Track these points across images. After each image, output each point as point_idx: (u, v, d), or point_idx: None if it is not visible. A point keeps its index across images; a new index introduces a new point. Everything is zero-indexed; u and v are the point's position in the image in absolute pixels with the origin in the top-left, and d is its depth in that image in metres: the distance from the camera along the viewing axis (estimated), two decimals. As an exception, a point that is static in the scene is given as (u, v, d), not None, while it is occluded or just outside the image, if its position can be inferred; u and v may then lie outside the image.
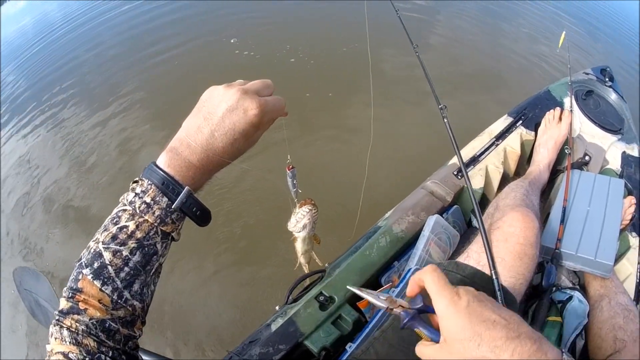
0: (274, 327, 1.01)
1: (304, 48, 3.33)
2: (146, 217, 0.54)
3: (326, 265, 1.18)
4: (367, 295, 0.62)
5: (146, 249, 0.54)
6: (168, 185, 0.54)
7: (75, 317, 0.49)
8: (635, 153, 1.53)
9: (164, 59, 3.54)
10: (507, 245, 0.91)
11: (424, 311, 0.58)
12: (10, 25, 5.42)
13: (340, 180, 2.23)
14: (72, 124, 2.99)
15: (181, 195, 0.54)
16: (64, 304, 0.51)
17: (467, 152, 1.52)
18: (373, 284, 1.18)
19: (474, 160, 1.50)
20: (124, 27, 4.35)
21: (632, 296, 1.16)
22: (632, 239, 1.29)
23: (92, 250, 0.52)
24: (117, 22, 4.51)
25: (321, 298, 1.09)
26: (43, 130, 3.01)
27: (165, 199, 0.54)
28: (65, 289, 0.52)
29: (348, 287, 0.70)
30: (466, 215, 1.40)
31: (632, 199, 1.33)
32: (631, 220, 1.30)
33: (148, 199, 0.54)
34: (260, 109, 0.55)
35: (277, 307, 1.09)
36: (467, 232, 1.37)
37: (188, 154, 0.55)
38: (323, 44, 3.49)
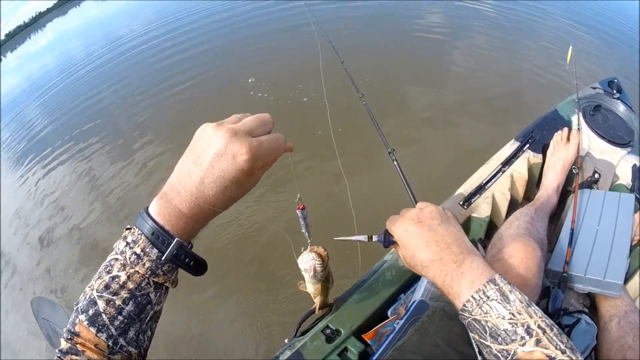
0: (282, 359, 1.11)
1: (316, 86, 3.47)
2: (137, 269, 0.53)
3: (334, 299, 1.26)
4: (350, 237, 0.85)
5: (139, 299, 0.54)
6: (158, 236, 0.53)
7: (75, 357, 0.51)
8: None
9: (185, 97, 3.86)
10: (508, 276, 0.93)
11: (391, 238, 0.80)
12: (33, 63, 5.96)
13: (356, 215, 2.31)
14: (97, 162, 3.27)
15: (171, 247, 0.53)
16: (63, 344, 0.52)
17: (474, 181, 1.57)
18: (380, 316, 1.24)
19: (481, 188, 1.54)
20: (147, 64, 4.76)
21: (645, 314, 1.12)
22: None
23: (87, 297, 0.53)
24: (139, 59, 4.92)
25: (327, 331, 1.16)
26: (68, 167, 3.30)
27: (155, 251, 0.53)
28: (65, 329, 0.53)
29: (335, 238, 0.87)
30: (473, 244, 1.43)
31: (644, 214, 1.30)
32: None
33: (138, 250, 0.53)
34: (251, 153, 0.51)
35: (286, 340, 1.19)
36: (473, 261, 1.40)
37: (178, 202, 0.53)
38: (334, 81, 3.68)
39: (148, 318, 0.56)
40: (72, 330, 0.52)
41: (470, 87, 3.48)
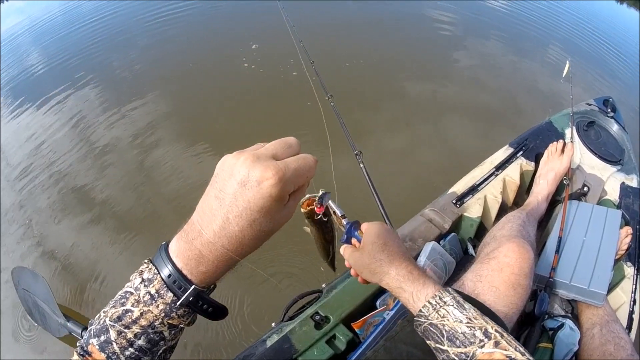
0: (269, 343, 1.11)
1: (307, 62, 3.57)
2: (150, 309, 0.51)
3: (323, 285, 1.28)
4: (334, 206, 0.82)
5: (151, 335, 0.52)
6: (174, 280, 0.50)
7: None
8: (634, 184, 1.62)
9: (185, 58, 3.90)
10: (502, 275, 0.98)
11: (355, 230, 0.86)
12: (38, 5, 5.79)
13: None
14: (92, 112, 3.25)
15: (186, 294, 0.50)
16: (75, 357, 0.51)
17: (467, 181, 1.64)
18: (368, 306, 1.28)
19: (474, 189, 1.61)
20: (155, 22, 4.71)
21: (625, 324, 1.23)
22: (627, 269, 1.37)
23: (100, 322, 0.52)
24: (148, 16, 4.88)
25: (317, 317, 1.18)
26: (62, 114, 3.26)
27: (170, 294, 0.50)
28: (78, 342, 0.53)
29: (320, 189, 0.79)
30: (463, 243, 1.49)
31: (628, 230, 1.41)
32: (627, 250, 1.38)
33: (152, 290, 0.50)
34: (278, 177, 0.46)
35: (273, 324, 1.19)
36: (463, 259, 1.46)
37: (199, 244, 0.49)
38: (328, 58, 3.75)
39: (161, 351, 0.54)
40: (85, 348, 0.52)
41: (468, 89, 3.61)
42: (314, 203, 0.76)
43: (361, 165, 1.18)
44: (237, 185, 0.47)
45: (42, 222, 2.39)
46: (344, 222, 0.84)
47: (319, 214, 0.76)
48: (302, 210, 0.76)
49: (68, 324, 1.62)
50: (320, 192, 0.75)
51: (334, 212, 0.82)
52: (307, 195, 0.76)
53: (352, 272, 0.83)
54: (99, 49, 4.24)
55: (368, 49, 4.03)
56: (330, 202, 0.81)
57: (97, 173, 2.67)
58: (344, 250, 0.85)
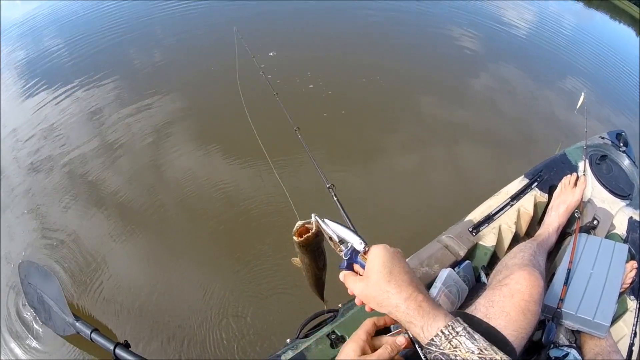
0: (284, 359, 1.20)
1: (324, 75, 3.79)
2: None
3: (339, 305, 1.39)
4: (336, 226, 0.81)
5: None
6: None
7: None
8: None
9: (201, 59, 4.07)
10: (513, 300, 1.07)
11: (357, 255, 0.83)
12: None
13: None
14: (109, 104, 3.39)
15: None
16: None
17: (483, 210, 1.74)
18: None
19: (489, 218, 1.71)
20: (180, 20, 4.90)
21: (624, 356, 1.33)
22: (630, 302, 1.47)
23: None
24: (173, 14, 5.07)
25: (333, 336, 1.27)
26: (78, 103, 3.41)
27: None
28: None
29: (326, 219, 0.81)
30: (476, 270, 1.60)
31: (633, 264, 1.52)
32: (631, 283, 1.49)
33: None
34: None
35: (287, 340, 1.29)
36: (475, 287, 1.56)
37: None
38: (343, 74, 3.99)
39: None
40: None
41: (484, 115, 3.76)
42: (309, 231, 0.77)
43: (335, 199, 1.23)
44: None
45: (49, 211, 2.48)
46: (342, 247, 0.80)
47: (312, 243, 0.78)
48: (295, 239, 0.77)
49: (77, 323, 1.68)
50: (313, 218, 0.77)
51: (330, 237, 0.80)
52: (300, 222, 0.79)
53: (357, 301, 0.83)
54: (119, 37, 4.39)
55: (385, 66, 4.20)
56: (324, 226, 0.80)
57: (108, 163, 2.79)
58: (344, 277, 0.83)
